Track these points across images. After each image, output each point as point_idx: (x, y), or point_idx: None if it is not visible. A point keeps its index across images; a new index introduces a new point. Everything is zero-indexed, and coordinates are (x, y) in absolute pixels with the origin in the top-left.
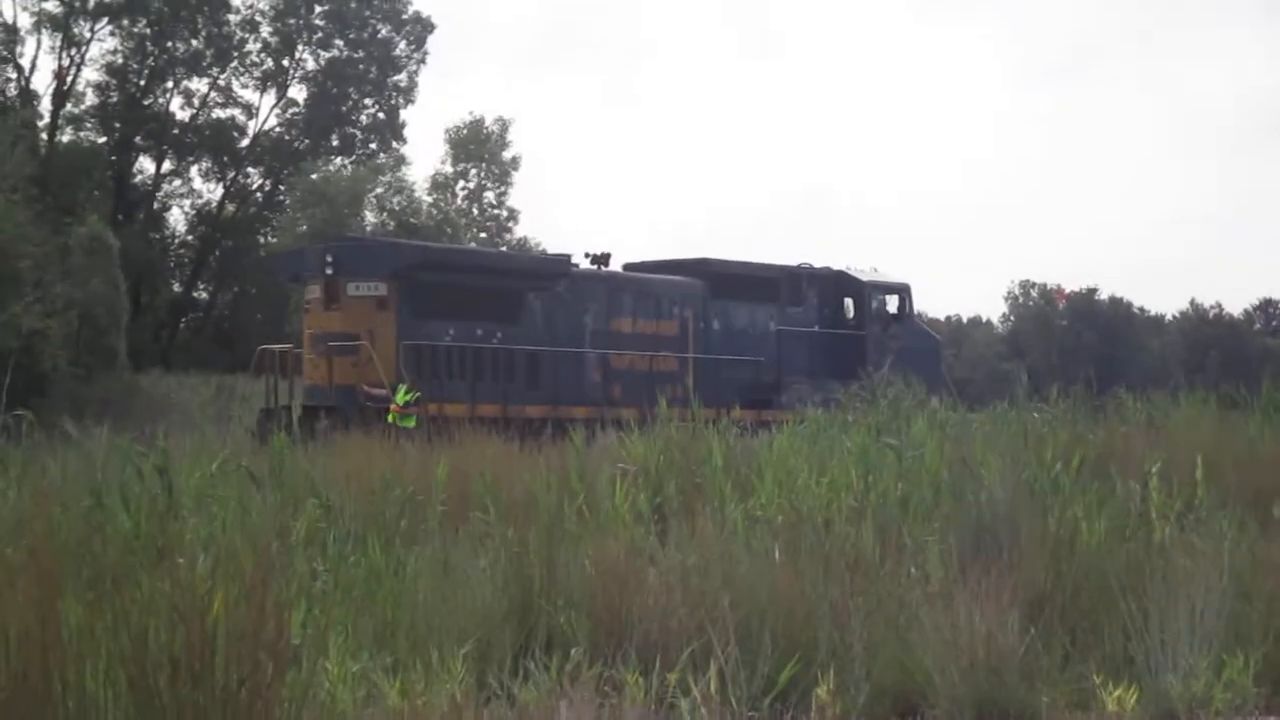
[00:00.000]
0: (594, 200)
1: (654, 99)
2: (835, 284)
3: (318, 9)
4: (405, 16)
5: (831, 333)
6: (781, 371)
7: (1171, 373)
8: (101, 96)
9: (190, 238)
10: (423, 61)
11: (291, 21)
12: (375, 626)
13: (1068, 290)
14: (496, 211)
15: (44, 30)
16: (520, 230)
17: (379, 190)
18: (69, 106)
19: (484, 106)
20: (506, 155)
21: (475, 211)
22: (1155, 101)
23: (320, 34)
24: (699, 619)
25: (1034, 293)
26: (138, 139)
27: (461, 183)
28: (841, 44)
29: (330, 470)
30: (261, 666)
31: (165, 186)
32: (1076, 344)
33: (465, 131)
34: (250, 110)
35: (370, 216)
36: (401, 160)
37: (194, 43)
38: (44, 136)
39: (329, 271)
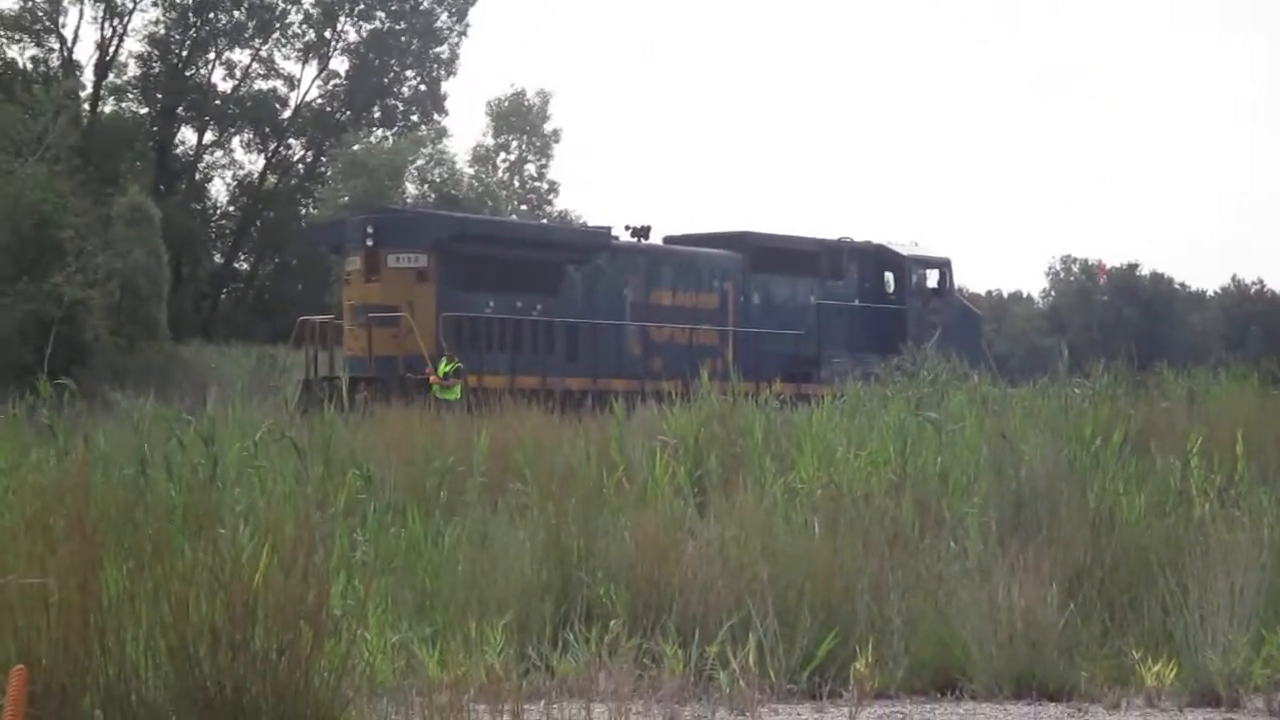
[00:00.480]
0: (635, 172)
1: (697, 70)
2: (876, 258)
3: None
4: None
5: (872, 307)
6: (821, 345)
7: (1212, 348)
8: (144, 67)
9: (232, 209)
10: (464, 34)
11: None
12: (414, 597)
13: (1109, 266)
14: (537, 184)
15: (87, 1)
16: (561, 203)
17: (420, 162)
18: (111, 77)
19: (525, 78)
20: (547, 128)
21: (516, 184)
22: (1198, 76)
23: (362, 5)
24: (738, 592)
25: (1075, 268)
26: (180, 110)
27: (503, 155)
28: (885, 17)
29: (370, 441)
30: (301, 636)
31: (207, 157)
32: (1117, 320)
33: (506, 104)
34: (292, 82)
35: (411, 188)
36: (443, 132)
37: (236, 14)
38: (86, 107)
39: (369, 243)
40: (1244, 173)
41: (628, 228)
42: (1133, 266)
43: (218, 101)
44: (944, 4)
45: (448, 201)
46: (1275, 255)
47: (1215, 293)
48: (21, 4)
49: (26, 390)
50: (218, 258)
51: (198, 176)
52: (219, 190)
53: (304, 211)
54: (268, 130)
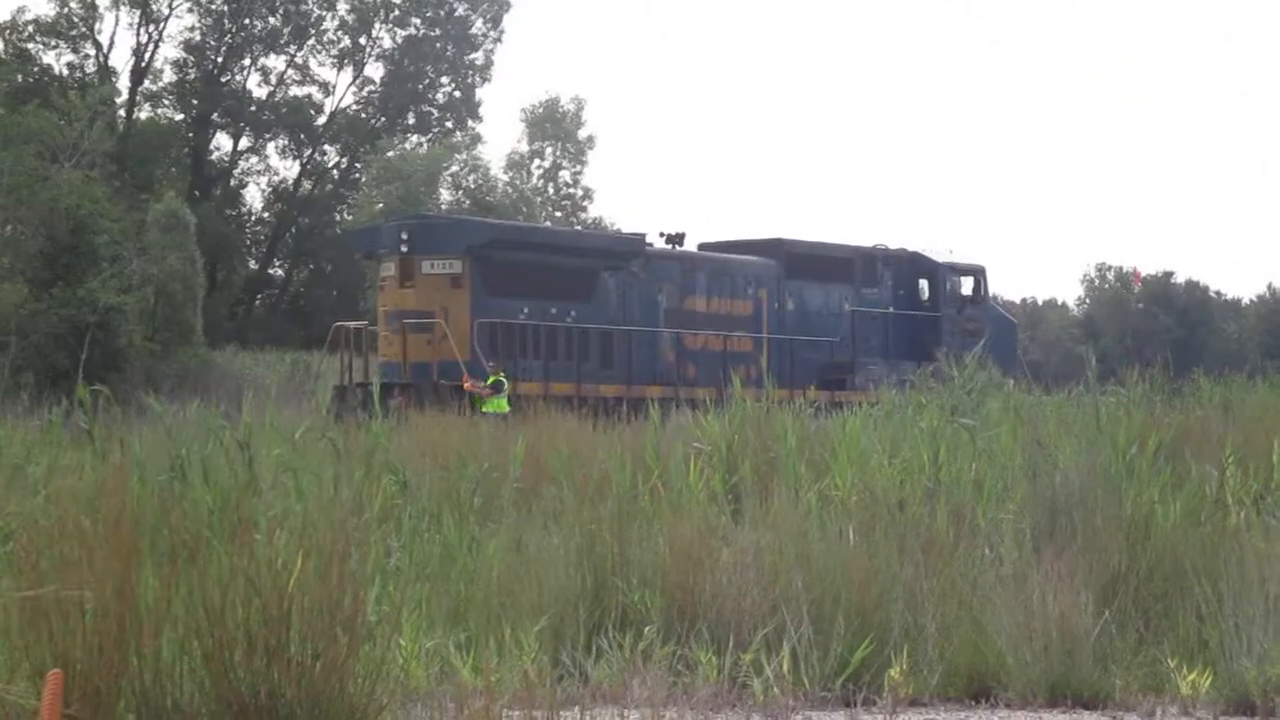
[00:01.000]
0: (670, 179)
1: (733, 77)
2: (911, 265)
3: None
4: None
5: (906, 314)
6: (856, 352)
7: (1248, 356)
8: (179, 73)
9: (266, 215)
10: (499, 40)
11: (369, 0)
12: (449, 603)
13: (1144, 273)
14: (572, 190)
15: (123, 7)
16: (595, 209)
17: (455, 168)
18: (147, 83)
19: (560, 85)
20: (582, 134)
21: (550, 190)
22: (1233, 81)
23: (397, 12)
24: (772, 599)
25: (1110, 276)
26: (215, 116)
27: (537, 161)
28: (919, 22)
29: (405, 447)
30: (337, 642)
31: (242, 164)
32: (1152, 327)
33: (541, 110)
34: (327, 88)
35: (446, 195)
36: (477, 139)
37: (271, 20)
38: (122, 113)
39: (404, 249)
40: None
41: (662, 235)
42: (1168, 274)
43: (253, 108)
44: (979, 8)
45: (482, 208)
46: None
47: (1251, 300)
48: (58, 10)
49: (62, 396)
50: (252, 264)
51: (233, 182)
52: (254, 196)
53: (339, 218)
54: (303, 136)
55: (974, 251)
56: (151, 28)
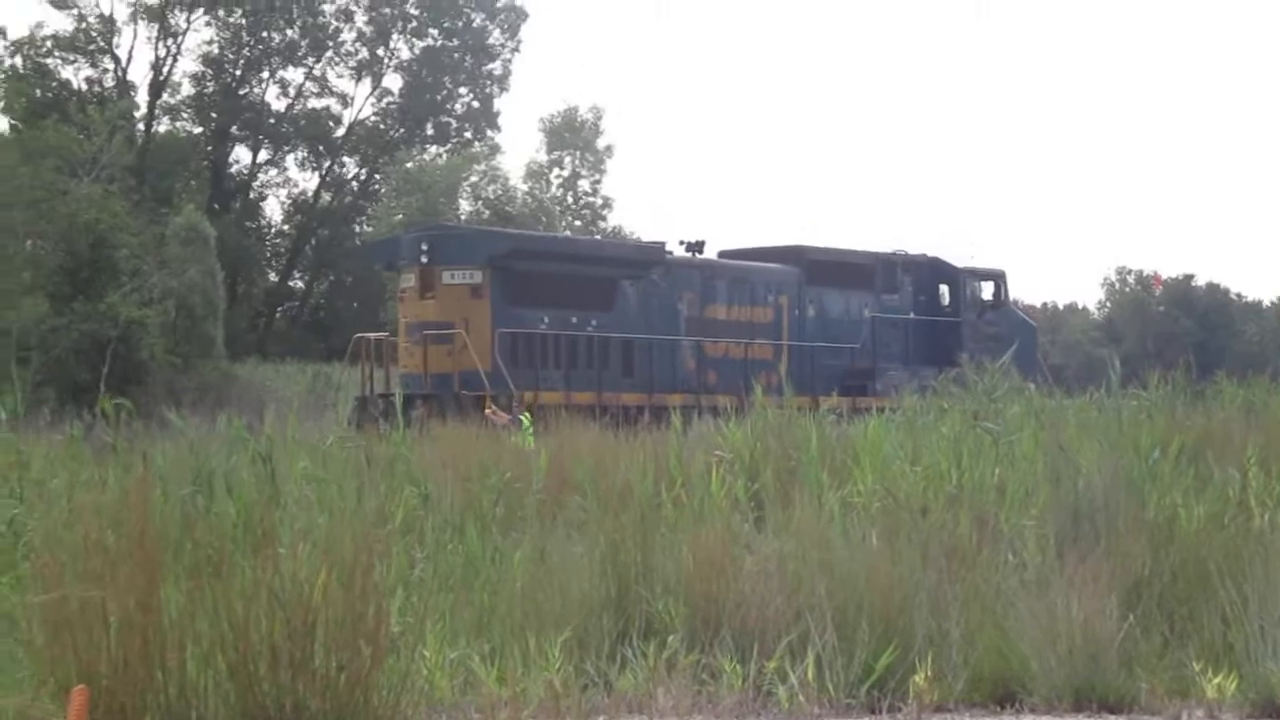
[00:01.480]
0: (689, 187)
1: (750, 84)
2: (930, 270)
3: None
4: (499, 4)
5: (927, 320)
6: (876, 358)
7: (1270, 358)
8: (198, 87)
9: (286, 227)
10: (517, 50)
11: (386, 11)
12: (473, 614)
13: (1164, 276)
14: (591, 199)
15: (141, 21)
16: (614, 218)
17: (474, 179)
18: (165, 97)
19: (578, 94)
20: (600, 143)
21: (570, 200)
22: (1253, 83)
23: (415, 23)
24: (796, 606)
25: (1130, 279)
26: (234, 129)
27: (556, 171)
28: (937, 28)
29: (427, 458)
30: (361, 654)
31: (261, 176)
32: (1173, 330)
33: (559, 120)
34: (345, 100)
35: (465, 205)
36: (496, 149)
37: (289, 33)
38: (141, 127)
39: (424, 260)
40: None
41: (682, 243)
42: (1188, 277)
43: (272, 120)
44: (996, 12)
45: (502, 218)
46: None
47: (1272, 303)
48: (76, 25)
49: (84, 409)
50: (272, 276)
51: (252, 195)
52: (273, 208)
53: (358, 229)
54: (322, 148)
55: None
56: (169, 41)
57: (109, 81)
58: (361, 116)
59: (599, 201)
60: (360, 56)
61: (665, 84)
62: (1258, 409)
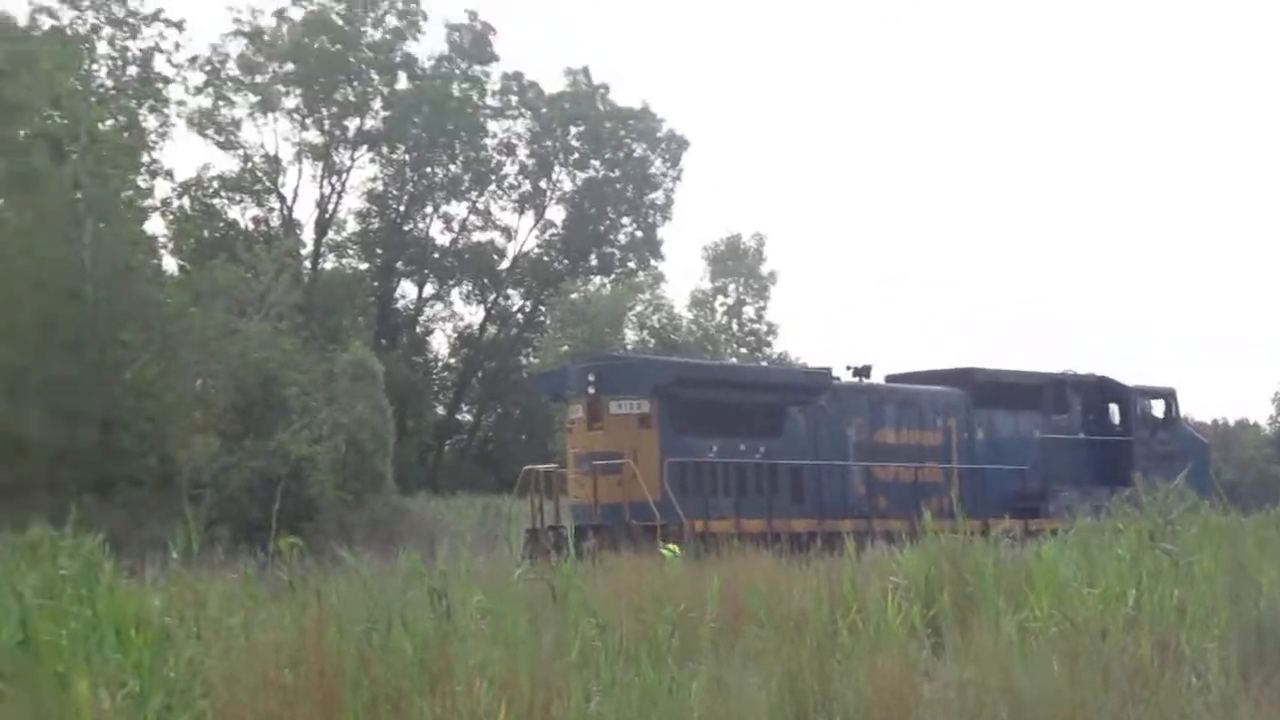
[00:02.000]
0: (854, 311)
1: (910, 209)
2: (1099, 390)
3: (573, 130)
4: (660, 135)
5: (1098, 439)
6: (1047, 479)
7: None
8: (363, 223)
9: (453, 360)
10: (678, 178)
11: (548, 144)
12: None
13: None
14: (756, 326)
15: (305, 160)
16: (780, 344)
17: (639, 308)
18: (331, 234)
19: (740, 221)
20: (764, 270)
21: (735, 327)
22: None
23: (576, 155)
24: None
25: None
26: (399, 264)
27: (720, 298)
28: (1097, 160)
29: (600, 589)
30: None
31: (427, 310)
32: None
33: (723, 247)
34: (509, 232)
35: (630, 334)
36: (660, 277)
37: (452, 168)
38: (307, 264)
39: (591, 390)
40: None
41: (849, 368)
42: None
43: (436, 254)
44: (1159, 134)
45: (667, 346)
46: None
47: None
48: (242, 165)
49: (257, 547)
50: (440, 409)
51: (418, 329)
52: (440, 342)
53: (524, 361)
54: (486, 281)
55: (1160, 373)
56: (334, 179)
57: (275, 220)
58: (525, 249)
59: (764, 328)
60: (523, 189)
61: (829, 208)
62: None
